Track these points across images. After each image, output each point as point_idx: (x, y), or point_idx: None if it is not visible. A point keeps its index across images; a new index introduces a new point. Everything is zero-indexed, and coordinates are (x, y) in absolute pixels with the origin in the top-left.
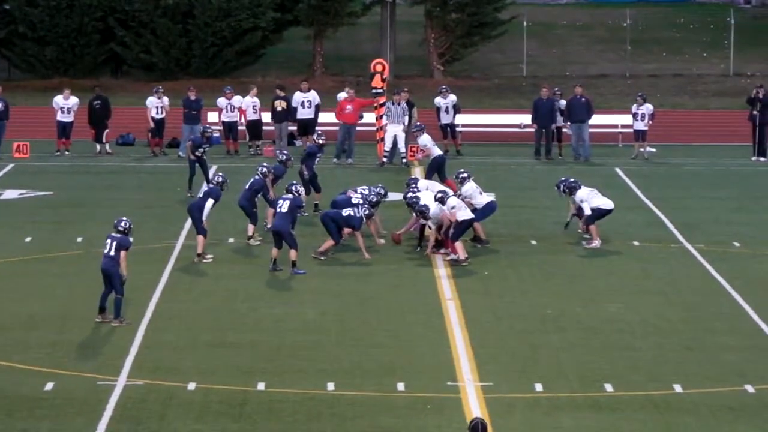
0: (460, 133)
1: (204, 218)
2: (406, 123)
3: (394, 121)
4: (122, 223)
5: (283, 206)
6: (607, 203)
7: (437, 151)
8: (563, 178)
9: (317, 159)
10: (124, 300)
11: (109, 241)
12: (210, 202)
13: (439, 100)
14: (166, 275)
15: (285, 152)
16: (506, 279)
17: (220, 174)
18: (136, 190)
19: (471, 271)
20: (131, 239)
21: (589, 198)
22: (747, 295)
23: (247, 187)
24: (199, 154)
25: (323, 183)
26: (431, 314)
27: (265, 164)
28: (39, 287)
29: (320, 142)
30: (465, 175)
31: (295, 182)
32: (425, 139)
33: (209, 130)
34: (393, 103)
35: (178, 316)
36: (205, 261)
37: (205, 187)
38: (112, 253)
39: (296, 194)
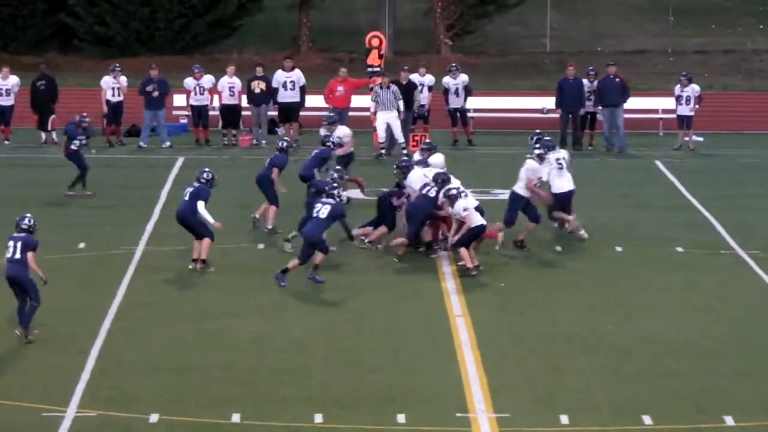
0: (472, 120)
1: (211, 221)
2: (401, 108)
3: (384, 108)
4: (26, 221)
5: (322, 211)
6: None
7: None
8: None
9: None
10: (40, 308)
11: (11, 243)
12: (201, 204)
13: (447, 81)
14: (124, 287)
15: (286, 138)
16: (526, 292)
17: (207, 170)
18: (88, 186)
19: (484, 282)
20: (37, 238)
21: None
22: None
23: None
24: (75, 148)
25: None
26: (438, 333)
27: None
28: None
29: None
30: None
31: (337, 185)
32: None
33: (86, 120)
34: (381, 87)
35: (138, 336)
36: (208, 270)
37: (189, 188)
38: (18, 255)
39: (338, 199)
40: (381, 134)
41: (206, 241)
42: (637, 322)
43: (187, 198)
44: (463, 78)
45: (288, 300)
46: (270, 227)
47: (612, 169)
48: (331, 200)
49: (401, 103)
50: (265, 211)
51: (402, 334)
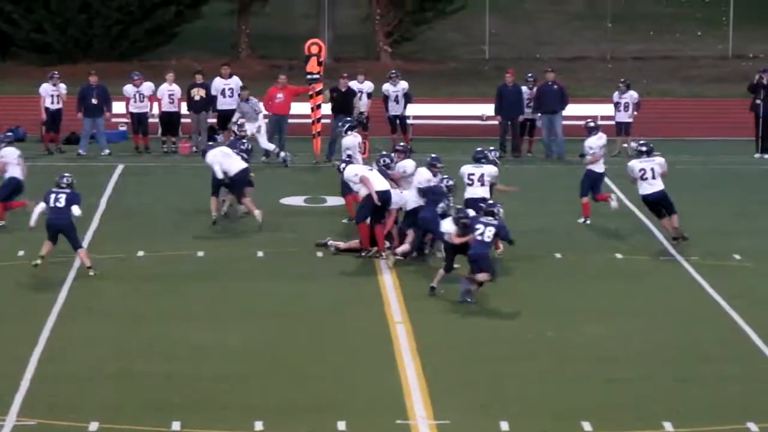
0: (411, 126)
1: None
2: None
3: (249, 119)
4: (65, 179)
5: (486, 234)
6: None
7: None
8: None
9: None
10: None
11: (53, 195)
12: (77, 209)
13: (387, 87)
14: (64, 294)
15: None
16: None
17: (68, 174)
18: (26, 195)
19: (424, 289)
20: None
21: None
22: (749, 316)
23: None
24: None
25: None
26: (378, 340)
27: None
28: None
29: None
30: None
31: (495, 205)
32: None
33: None
34: (241, 99)
35: (78, 343)
36: (91, 274)
37: (56, 194)
38: (62, 205)
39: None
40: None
41: (83, 250)
42: (578, 328)
43: (62, 205)
44: (403, 85)
45: (228, 308)
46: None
47: (551, 175)
48: (492, 220)
49: (261, 116)
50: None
51: (342, 341)
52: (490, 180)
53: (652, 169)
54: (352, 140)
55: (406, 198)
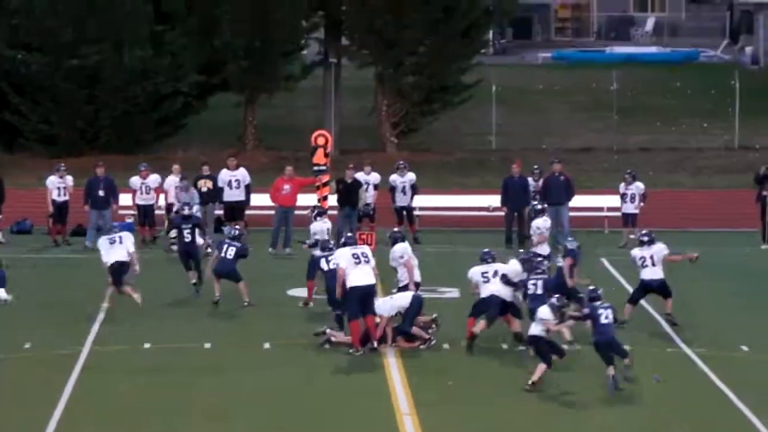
0: (418, 217)
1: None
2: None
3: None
4: (233, 231)
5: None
6: None
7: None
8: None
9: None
10: None
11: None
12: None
13: (395, 178)
14: (70, 388)
15: (236, 227)
16: (473, 390)
17: None
18: (33, 287)
19: (432, 380)
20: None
21: None
22: (758, 408)
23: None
24: None
25: (257, 276)
26: (385, 431)
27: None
28: None
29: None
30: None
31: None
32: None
33: None
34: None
35: None
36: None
37: None
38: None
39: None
40: None
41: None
42: (589, 420)
43: None
44: (410, 176)
45: (235, 401)
46: (247, 300)
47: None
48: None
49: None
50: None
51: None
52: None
53: (652, 257)
54: (320, 226)
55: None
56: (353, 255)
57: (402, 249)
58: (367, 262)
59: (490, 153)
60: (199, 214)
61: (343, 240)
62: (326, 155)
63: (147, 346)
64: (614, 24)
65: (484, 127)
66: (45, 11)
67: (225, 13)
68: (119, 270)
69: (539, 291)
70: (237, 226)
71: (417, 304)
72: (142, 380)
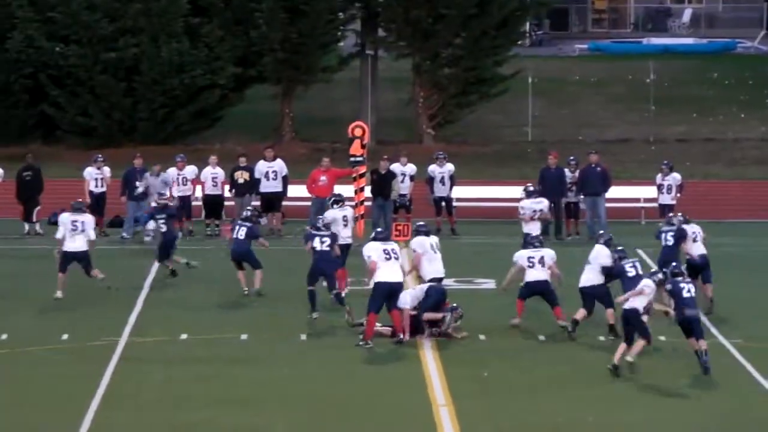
0: (455, 209)
1: None
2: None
3: None
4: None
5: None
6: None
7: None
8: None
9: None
10: None
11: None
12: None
13: (434, 169)
14: (107, 378)
15: (248, 208)
16: (509, 381)
17: None
18: (69, 278)
19: (467, 371)
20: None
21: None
22: None
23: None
24: None
25: (295, 267)
26: (421, 423)
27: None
28: None
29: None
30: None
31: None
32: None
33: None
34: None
35: (123, 428)
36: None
37: None
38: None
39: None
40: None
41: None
42: (619, 413)
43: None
44: (449, 167)
45: (271, 392)
46: (258, 288)
47: None
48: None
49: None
50: (257, 277)
51: (384, 425)
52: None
53: (695, 233)
54: (334, 214)
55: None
56: (384, 251)
57: (417, 242)
58: (396, 259)
59: (527, 144)
60: (172, 204)
61: (373, 234)
62: (363, 146)
63: (184, 337)
64: (651, 15)
65: (520, 119)
66: (82, 4)
67: (261, 5)
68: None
69: (640, 271)
70: (250, 208)
71: (435, 294)
72: (178, 371)
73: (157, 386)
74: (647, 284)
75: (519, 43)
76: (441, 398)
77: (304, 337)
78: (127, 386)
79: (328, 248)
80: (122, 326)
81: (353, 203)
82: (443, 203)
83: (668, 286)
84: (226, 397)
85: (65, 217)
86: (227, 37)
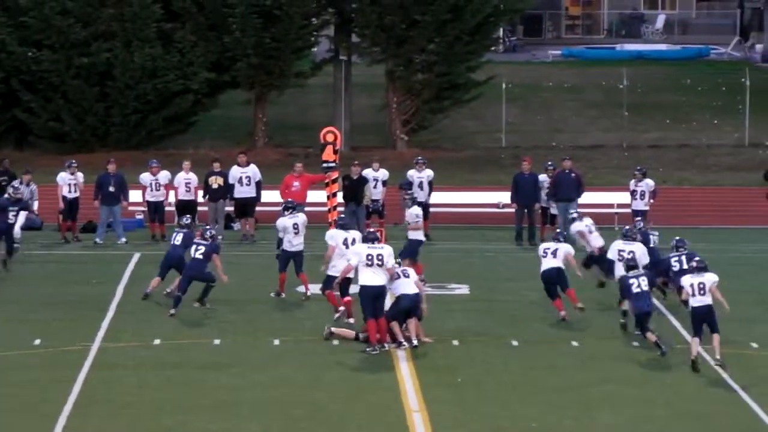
0: (430, 214)
1: None
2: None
3: None
4: (208, 233)
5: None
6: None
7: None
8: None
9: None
10: None
11: (194, 247)
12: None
13: (413, 174)
14: (80, 384)
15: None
16: (483, 387)
17: None
18: (43, 283)
19: (441, 377)
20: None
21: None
22: (766, 405)
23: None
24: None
25: (267, 273)
26: (394, 429)
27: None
28: None
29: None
30: None
31: None
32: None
33: (19, 191)
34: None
35: None
36: None
37: None
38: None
39: None
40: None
41: None
42: (594, 417)
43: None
44: (429, 172)
45: (244, 397)
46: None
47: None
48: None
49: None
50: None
51: (359, 429)
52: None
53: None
54: (284, 222)
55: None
56: (368, 256)
57: (330, 235)
58: (381, 265)
59: (501, 150)
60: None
61: (364, 234)
62: (336, 152)
63: (156, 342)
64: (625, 21)
65: (494, 125)
66: (55, 9)
67: (235, 11)
68: None
69: (685, 266)
70: (188, 216)
71: (405, 302)
72: (151, 376)
73: (129, 392)
74: (713, 279)
75: (493, 49)
76: (414, 404)
77: (277, 342)
78: (100, 391)
79: (201, 257)
80: (95, 331)
81: (326, 208)
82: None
83: (620, 282)
84: (199, 402)
85: None
86: (200, 42)
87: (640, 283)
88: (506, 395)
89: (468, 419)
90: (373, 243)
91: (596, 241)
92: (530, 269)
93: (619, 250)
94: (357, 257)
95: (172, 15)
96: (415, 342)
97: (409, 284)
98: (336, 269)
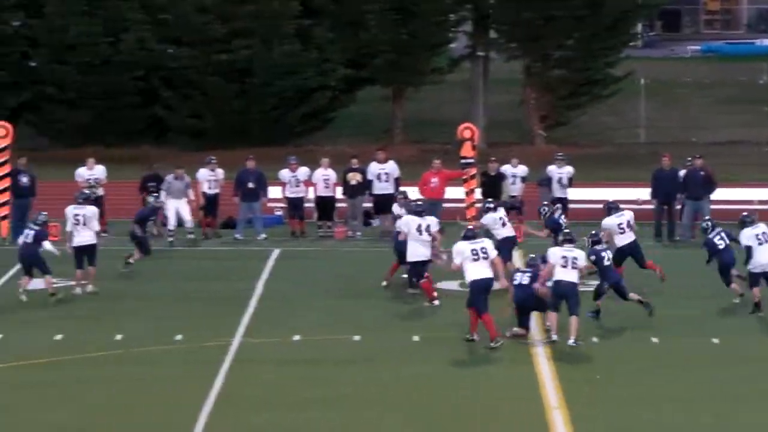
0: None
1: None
2: (191, 196)
3: (174, 197)
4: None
5: None
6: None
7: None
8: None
9: None
10: None
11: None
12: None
13: (552, 169)
14: (220, 379)
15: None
16: (621, 383)
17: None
18: (183, 279)
19: (579, 374)
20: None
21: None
22: None
23: None
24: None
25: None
26: (533, 426)
27: None
28: (69, 394)
29: None
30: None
31: None
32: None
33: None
34: (175, 177)
35: (235, 428)
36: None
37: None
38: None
39: None
40: (172, 220)
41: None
42: (734, 416)
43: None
44: (569, 169)
45: (383, 393)
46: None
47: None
48: None
49: (191, 192)
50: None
51: (495, 426)
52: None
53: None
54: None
55: None
56: (472, 251)
57: (403, 222)
58: (486, 257)
59: (639, 146)
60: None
61: (463, 233)
62: (473, 148)
63: (296, 338)
64: (764, 16)
65: (632, 121)
66: (193, 6)
67: (372, 7)
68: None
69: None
70: (45, 213)
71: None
72: (290, 372)
73: (269, 387)
74: None
75: (631, 44)
76: (554, 401)
77: (416, 338)
78: (240, 387)
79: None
80: (235, 327)
81: (464, 205)
82: (560, 204)
83: (592, 257)
84: (338, 398)
85: (69, 210)
86: (338, 38)
87: None
88: (645, 392)
89: (607, 416)
90: (473, 240)
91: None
92: (669, 266)
93: (756, 235)
94: (461, 256)
95: (310, 12)
96: (554, 337)
97: (572, 274)
98: (413, 254)
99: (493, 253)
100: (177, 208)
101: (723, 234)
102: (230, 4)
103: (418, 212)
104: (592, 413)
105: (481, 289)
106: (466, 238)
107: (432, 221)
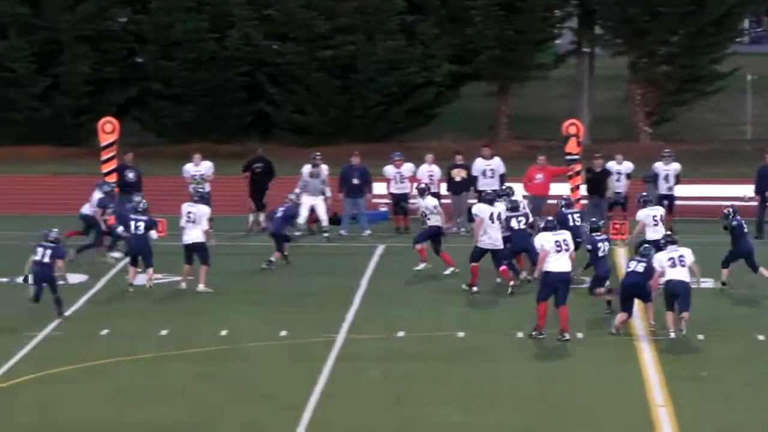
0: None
1: None
2: (328, 194)
3: (310, 194)
4: (52, 234)
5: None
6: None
7: None
8: None
9: None
10: None
11: (41, 249)
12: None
13: (659, 166)
14: (325, 375)
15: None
16: (727, 381)
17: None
18: (288, 274)
19: (686, 371)
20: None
21: None
22: None
23: None
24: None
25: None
26: (637, 424)
27: None
28: (174, 390)
29: None
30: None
31: None
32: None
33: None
34: (311, 176)
35: (340, 424)
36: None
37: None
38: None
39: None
40: (304, 215)
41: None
42: None
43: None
44: (676, 166)
45: (487, 390)
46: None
47: None
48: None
49: (327, 189)
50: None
51: (599, 424)
52: None
53: None
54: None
55: None
56: (556, 242)
57: (478, 208)
58: (567, 250)
59: (744, 143)
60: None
61: (543, 224)
62: (578, 144)
63: (400, 334)
64: None
65: (738, 117)
66: (298, 2)
67: (476, 3)
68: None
69: None
70: (56, 230)
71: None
72: (394, 368)
73: (373, 383)
74: None
75: (737, 40)
76: (659, 398)
77: (520, 334)
78: (345, 383)
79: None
80: (340, 323)
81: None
82: (666, 201)
83: (588, 246)
84: (440, 394)
85: (183, 208)
86: (442, 34)
87: None
88: (751, 390)
89: (714, 414)
90: (555, 232)
91: None
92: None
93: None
94: (548, 243)
95: (414, 7)
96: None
97: (681, 272)
98: (484, 242)
99: (572, 245)
100: (313, 205)
101: None
102: (334, 1)
103: (489, 200)
104: (700, 412)
105: (555, 281)
106: (546, 229)
107: (502, 209)
